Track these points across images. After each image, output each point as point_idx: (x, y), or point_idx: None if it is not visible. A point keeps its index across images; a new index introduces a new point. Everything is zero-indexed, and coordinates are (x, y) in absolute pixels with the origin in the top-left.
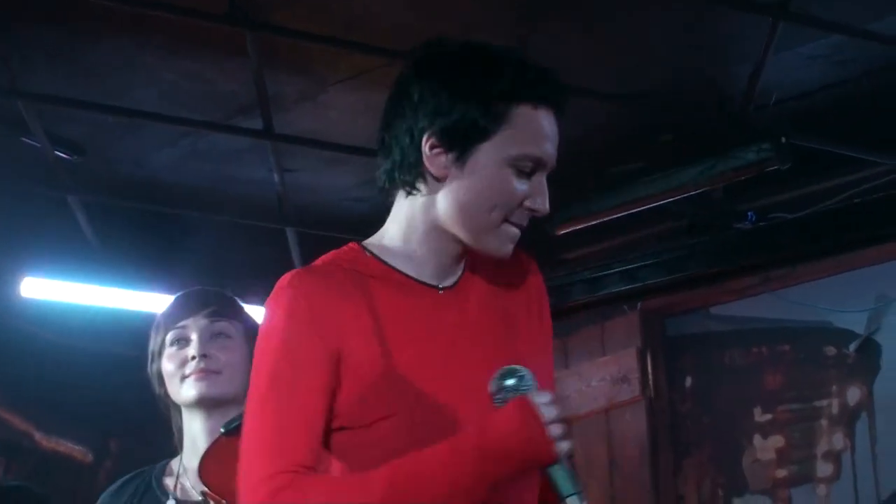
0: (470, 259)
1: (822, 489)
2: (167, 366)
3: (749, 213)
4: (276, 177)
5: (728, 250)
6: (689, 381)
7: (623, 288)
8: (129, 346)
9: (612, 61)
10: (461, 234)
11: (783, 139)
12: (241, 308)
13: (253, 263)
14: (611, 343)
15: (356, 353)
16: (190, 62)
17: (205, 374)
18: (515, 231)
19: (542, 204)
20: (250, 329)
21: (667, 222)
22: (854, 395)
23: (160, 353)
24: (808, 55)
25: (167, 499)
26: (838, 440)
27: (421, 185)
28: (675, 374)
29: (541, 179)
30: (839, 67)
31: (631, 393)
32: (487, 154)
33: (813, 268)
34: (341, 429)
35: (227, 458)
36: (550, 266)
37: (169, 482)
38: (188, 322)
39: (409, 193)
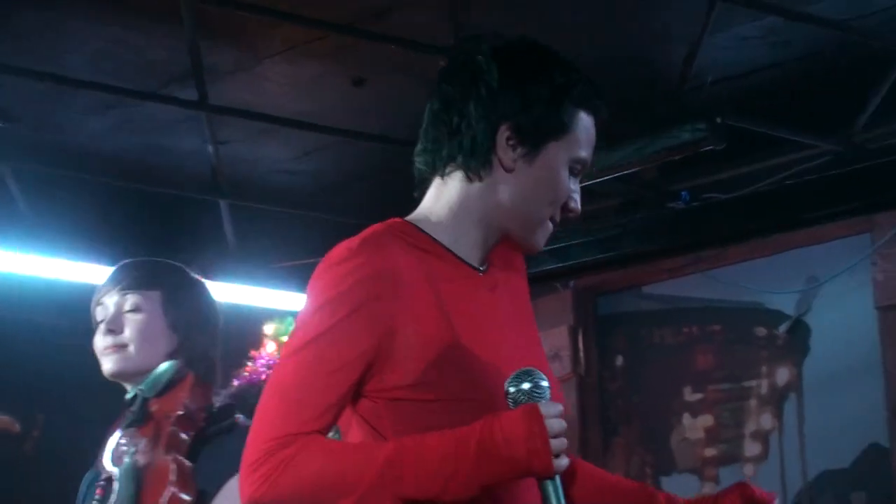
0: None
1: (749, 469)
2: (95, 341)
3: (683, 193)
4: (210, 148)
5: (661, 230)
6: (619, 360)
7: (555, 266)
8: (56, 316)
9: (546, 40)
10: (513, 225)
11: (718, 120)
12: (166, 275)
13: (186, 235)
14: (542, 321)
15: (421, 326)
16: (122, 29)
17: (113, 349)
18: (552, 228)
19: (578, 205)
20: (172, 297)
21: (600, 201)
22: (783, 375)
23: (95, 330)
24: (743, 36)
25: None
26: (767, 420)
27: (484, 173)
28: (605, 352)
29: (577, 182)
30: (774, 49)
31: (562, 370)
32: (556, 153)
33: (745, 248)
34: (395, 400)
35: (116, 426)
36: None
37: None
38: (105, 298)
39: (470, 179)
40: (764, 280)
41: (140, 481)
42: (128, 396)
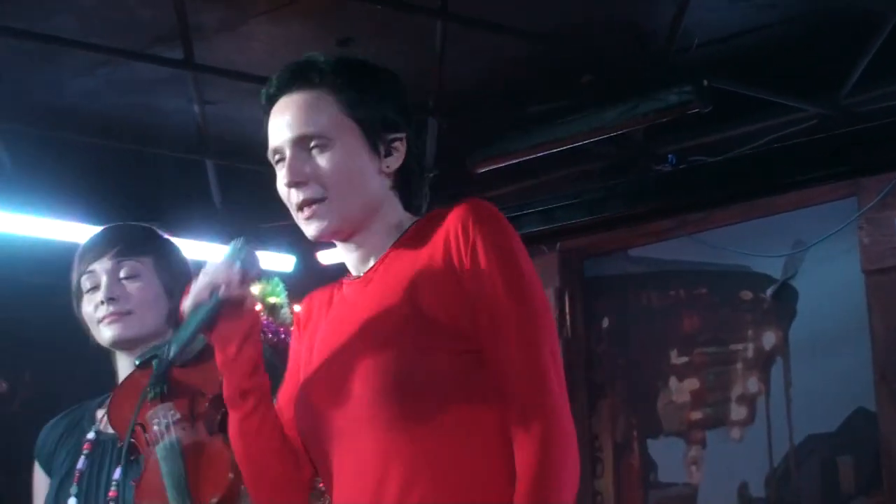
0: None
1: (735, 432)
2: (87, 309)
3: (669, 156)
4: (195, 108)
5: (647, 192)
6: (606, 322)
7: (541, 228)
8: (44, 275)
9: (533, 2)
10: None
11: (705, 82)
12: (154, 241)
13: (171, 194)
14: None
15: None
16: None
17: (115, 316)
18: (304, 214)
19: (288, 181)
20: (163, 262)
21: (586, 163)
22: (770, 339)
23: (79, 298)
24: None
25: (90, 431)
26: (753, 384)
27: None
28: (592, 314)
29: (284, 166)
30: (763, 11)
31: None
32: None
33: (732, 212)
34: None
35: (131, 392)
36: None
37: (100, 414)
38: (96, 265)
39: None
40: (750, 243)
41: (191, 461)
42: (142, 359)
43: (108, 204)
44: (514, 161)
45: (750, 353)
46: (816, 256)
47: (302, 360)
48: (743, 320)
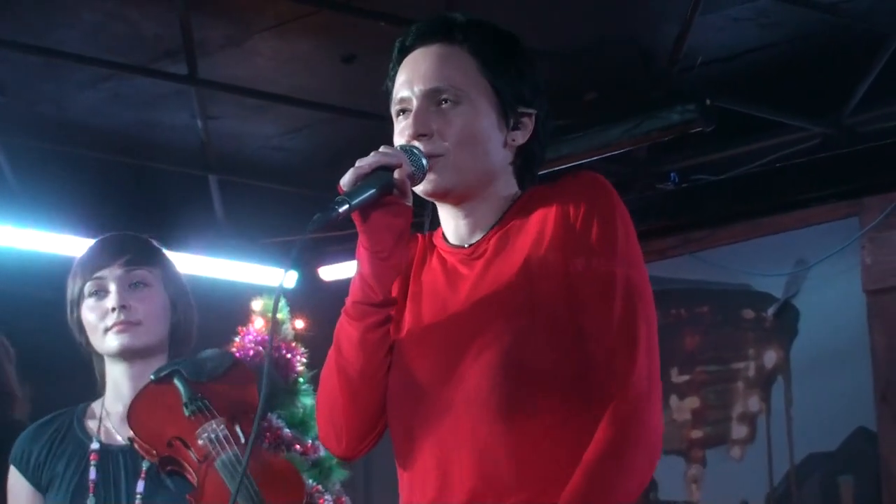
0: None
1: (736, 451)
2: (88, 316)
3: (672, 174)
4: (199, 123)
5: (650, 210)
6: None
7: None
8: (46, 290)
9: (538, 18)
10: None
11: (708, 101)
12: (160, 253)
13: (174, 209)
14: None
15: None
16: (115, 4)
17: (126, 325)
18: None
19: (411, 131)
20: (169, 274)
21: None
22: (771, 358)
23: (79, 303)
24: (734, 17)
25: (91, 441)
26: (754, 403)
27: None
28: None
29: (408, 116)
30: (765, 30)
31: None
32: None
33: (734, 230)
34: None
35: (157, 406)
36: None
37: (92, 425)
38: (105, 272)
39: None
40: (752, 262)
41: (259, 479)
42: (161, 374)
43: (110, 218)
44: None
45: (751, 372)
46: (818, 275)
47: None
48: (744, 339)
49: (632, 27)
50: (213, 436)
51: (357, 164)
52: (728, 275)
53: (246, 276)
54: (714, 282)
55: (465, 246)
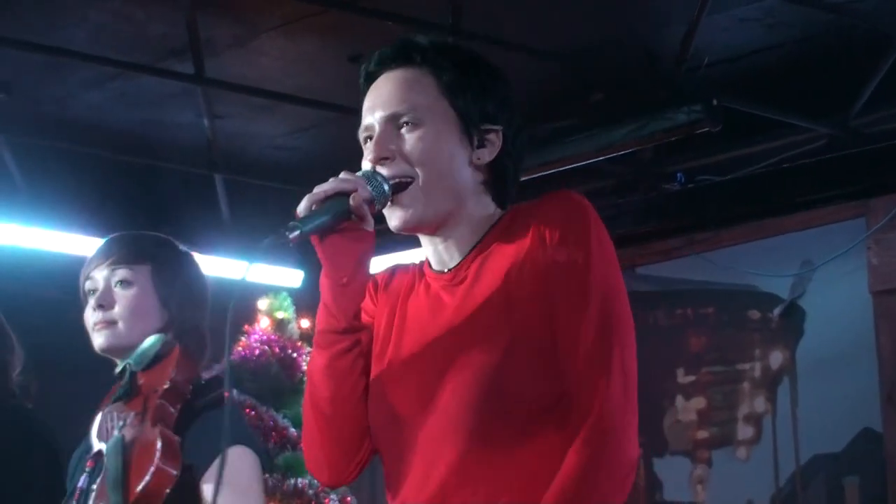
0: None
1: (742, 451)
2: (85, 316)
3: (678, 175)
4: (205, 122)
5: (656, 211)
6: None
7: None
8: (53, 288)
9: (545, 18)
10: None
11: (714, 101)
12: (156, 249)
13: (180, 208)
14: None
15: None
16: (121, 3)
17: (104, 324)
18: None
19: (372, 157)
20: (163, 272)
21: (596, 181)
22: (777, 359)
23: (84, 304)
24: (740, 18)
25: (93, 447)
26: (760, 403)
27: None
28: None
29: (374, 140)
30: (772, 31)
31: None
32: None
33: (740, 231)
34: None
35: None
36: None
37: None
38: (95, 272)
39: None
40: (758, 263)
41: (128, 455)
42: (116, 371)
43: (117, 217)
44: (524, 178)
45: (757, 373)
46: (824, 276)
47: (380, 339)
48: (750, 340)
49: (638, 28)
50: (110, 421)
51: (314, 190)
52: (734, 276)
53: (251, 276)
54: (720, 282)
55: (446, 271)
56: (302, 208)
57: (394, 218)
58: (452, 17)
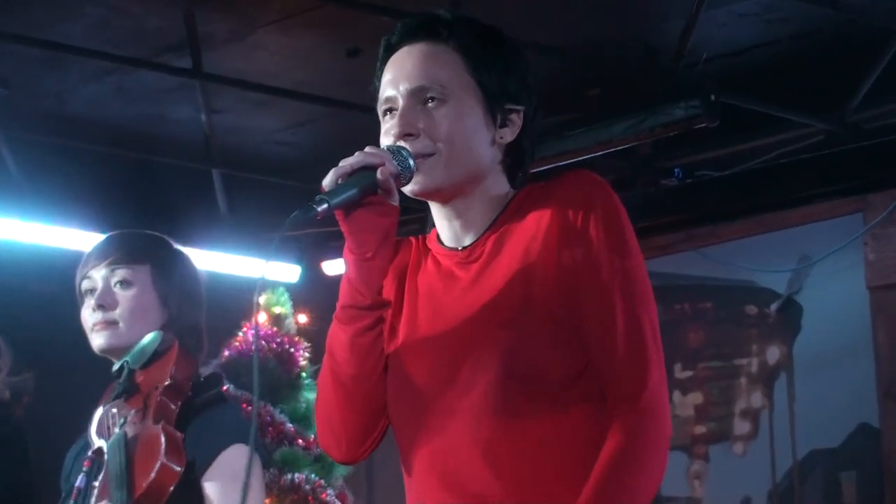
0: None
1: (739, 447)
2: (83, 315)
3: (676, 170)
4: (203, 117)
5: (654, 206)
6: None
7: None
8: (50, 283)
9: (543, 14)
10: None
11: (712, 97)
12: (155, 248)
13: (178, 203)
14: None
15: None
16: None
17: (104, 325)
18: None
19: (397, 132)
20: (162, 271)
21: None
22: (774, 354)
23: (80, 302)
24: (739, 13)
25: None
26: (757, 399)
27: None
28: None
29: (394, 116)
30: (771, 26)
31: None
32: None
33: (737, 226)
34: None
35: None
36: None
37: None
38: (93, 272)
39: None
40: (756, 258)
41: (130, 452)
42: (114, 369)
43: (114, 212)
44: None
45: (754, 368)
46: (822, 272)
47: (390, 315)
48: (747, 335)
49: (636, 23)
50: (116, 418)
51: (340, 164)
52: (731, 271)
53: (249, 271)
54: (717, 278)
55: (460, 248)
56: (328, 182)
57: (413, 182)
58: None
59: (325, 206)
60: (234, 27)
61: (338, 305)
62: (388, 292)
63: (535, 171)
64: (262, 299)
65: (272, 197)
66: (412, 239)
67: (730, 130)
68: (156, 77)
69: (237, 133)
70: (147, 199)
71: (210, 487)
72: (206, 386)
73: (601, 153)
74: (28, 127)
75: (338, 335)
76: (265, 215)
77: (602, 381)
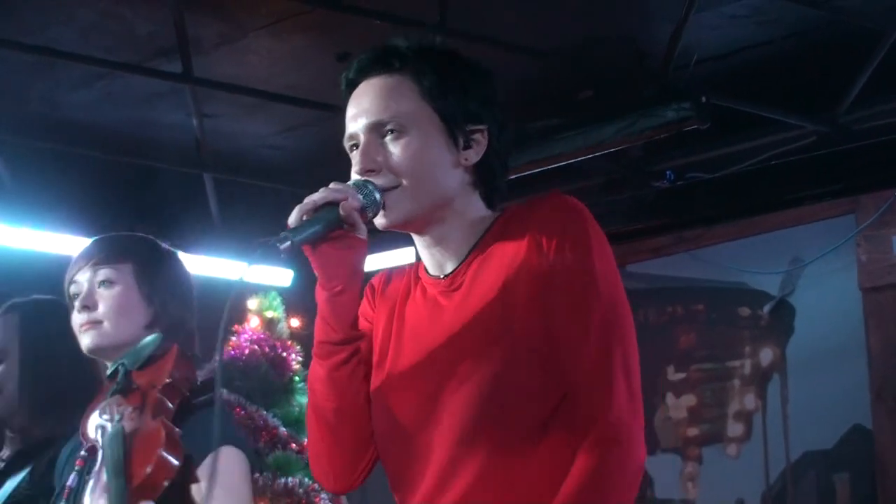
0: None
1: (732, 448)
2: (73, 319)
3: (667, 173)
4: (194, 121)
5: (645, 209)
6: None
7: None
8: (41, 289)
9: (533, 16)
10: None
11: (703, 99)
12: (138, 247)
13: (170, 208)
14: None
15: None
16: (108, 1)
17: (89, 325)
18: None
19: (358, 168)
20: (145, 268)
21: (585, 179)
22: (767, 356)
23: (70, 308)
24: (729, 15)
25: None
26: (750, 401)
27: None
28: None
29: (359, 151)
30: (761, 28)
31: None
32: None
33: (729, 228)
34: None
35: (98, 402)
36: None
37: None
38: (79, 275)
39: None
40: (748, 260)
41: (128, 446)
42: (109, 371)
43: (106, 217)
44: (513, 177)
45: (747, 370)
46: (814, 273)
47: (379, 346)
48: (740, 337)
49: (627, 25)
50: (107, 415)
51: (304, 201)
52: (723, 273)
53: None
54: (709, 280)
55: (442, 276)
56: (293, 219)
57: (380, 217)
58: (440, 15)
59: (288, 242)
60: (224, 31)
61: (314, 342)
62: (379, 322)
63: (525, 174)
64: (253, 304)
65: (264, 201)
66: (406, 267)
67: (721, 132)
68: (146, 82)
69: (228, 137)
70: (138, 203)
71: (196, 490)
72: (203, 389)
73: (592, 156)
74: (18, 131)
75: (316, 370)
76: (257, 219)
77: (576, 411)
